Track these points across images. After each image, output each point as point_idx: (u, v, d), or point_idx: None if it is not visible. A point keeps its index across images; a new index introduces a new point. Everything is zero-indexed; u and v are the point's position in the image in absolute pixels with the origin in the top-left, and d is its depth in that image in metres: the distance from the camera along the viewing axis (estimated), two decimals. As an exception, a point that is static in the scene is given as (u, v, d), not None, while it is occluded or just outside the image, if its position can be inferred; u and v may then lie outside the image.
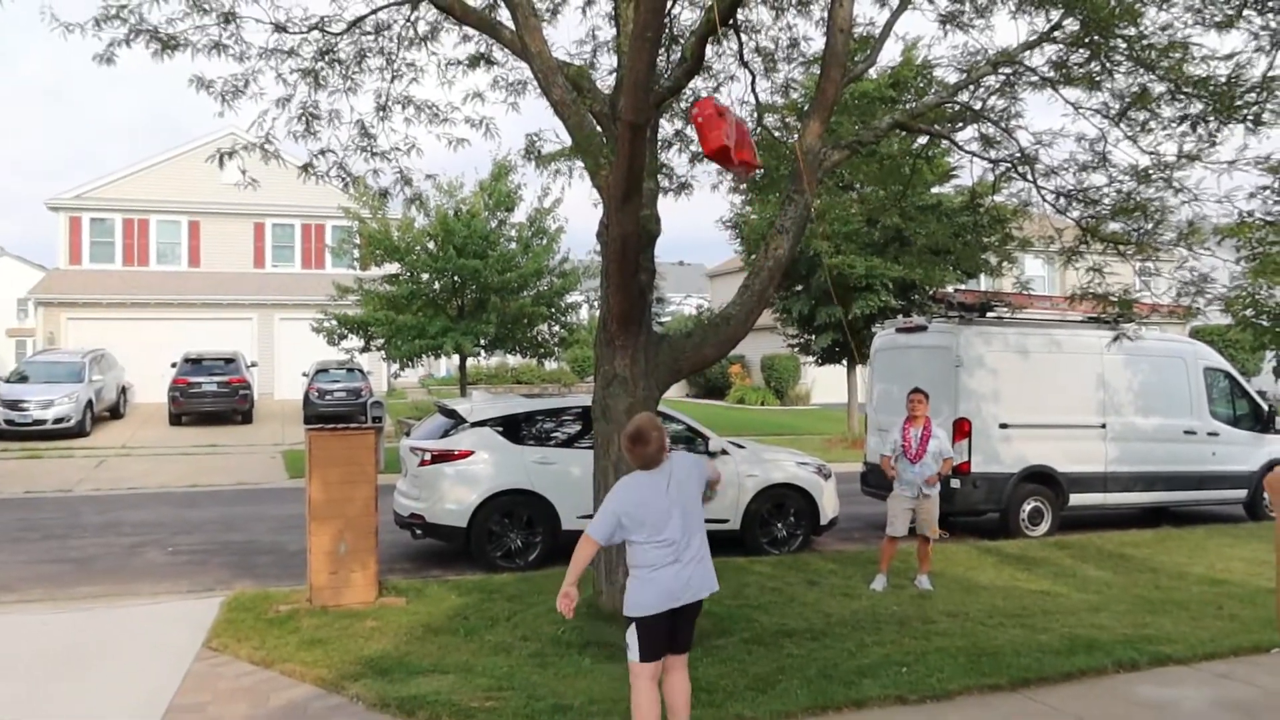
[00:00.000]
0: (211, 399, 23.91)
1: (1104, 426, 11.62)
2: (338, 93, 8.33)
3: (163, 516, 12.38)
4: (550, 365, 32.46)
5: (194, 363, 24.27)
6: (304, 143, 8.32)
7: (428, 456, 9.41)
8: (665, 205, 7.82)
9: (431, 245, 20.02)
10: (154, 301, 29.59)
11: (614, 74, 7.84)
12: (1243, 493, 12.54)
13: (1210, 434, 12.27)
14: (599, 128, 7.10)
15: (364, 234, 20.51)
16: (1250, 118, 7.21)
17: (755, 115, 9.29)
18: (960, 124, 9.15)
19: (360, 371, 24.73)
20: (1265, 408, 12.86)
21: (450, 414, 10.04)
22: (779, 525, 10.17)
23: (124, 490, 14.60)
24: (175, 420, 23.92)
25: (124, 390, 25.80)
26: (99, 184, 31.13)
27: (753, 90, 9.05)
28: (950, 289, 17.20)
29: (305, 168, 8.17)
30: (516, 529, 9.35)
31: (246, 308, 30.81)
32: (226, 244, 32.16)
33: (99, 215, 31.10)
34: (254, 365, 27.49)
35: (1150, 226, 8.60)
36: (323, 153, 8.05)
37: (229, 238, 32.19)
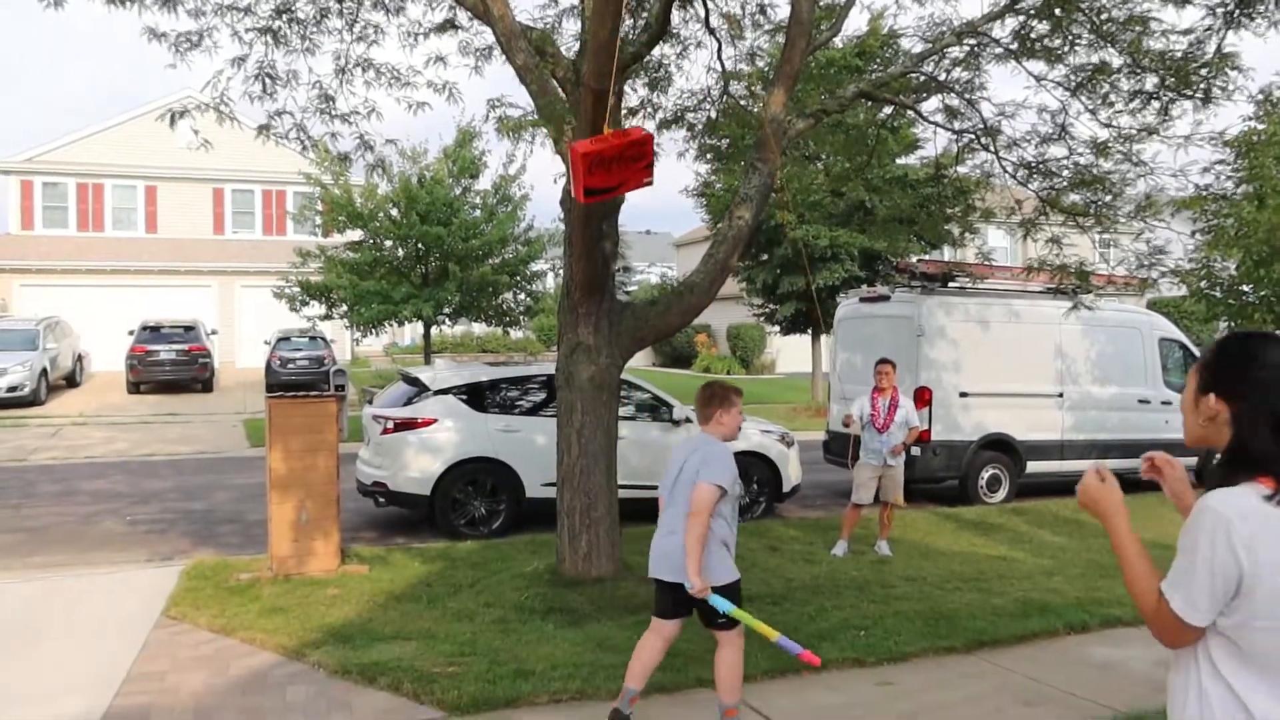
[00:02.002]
0: (171, 367, 23.56)
1: (1061, 395, 11.82)
2: (296, 53, 8.16)
3: (120, 486, 12.22)
4: (516, 334, 32.33)
5: (152, 330, 23.87)
6: (261, 104, 8.16)
7: (390, 425, 9.36)
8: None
9: (395, 212, 19.80)
10: (110, 268, 29.01)
11: (578, 39, 7.76)
12: (1193, 460, 12.82)
13: (1164, 403, 12.52)
14: (562, 94, 7.03)
15: (326, 200, 20.22)
16: (1200, 94, 7.31)
17: (721, 83, 9.26)
18: (925, 95, 9.19)
19: (323, 339, 24.48)
20: (1217, 377, 13.13)
21: (413, 382, 9.99)
22: (743, 493, 10.25)
23: (80, 459, 14.38)
24: (133, 389, 23.55)
25: (80, 358, 25.33)
26: (51, 147, 30.37)
27: (719, 58, 9.01)
28: (913, 259, 17.33)
29: (263, 129, 8.02)
30: (480, 497, 9.35)
31: (206, 275, 30.32)
32: (185, 210, 31.56)
33: (52, 179, 30.37)
34: (214, 333, 27.11)
35: (1109, 199, 8.72)
36: (280, 114, 7.89)
37: (187, 203, 31.60)
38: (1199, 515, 1.98)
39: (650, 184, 6.11)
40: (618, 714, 4.53)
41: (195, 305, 28.91)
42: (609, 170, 5.68)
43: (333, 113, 8.41)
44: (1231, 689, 1.95)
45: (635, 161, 5.81)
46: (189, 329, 24.32)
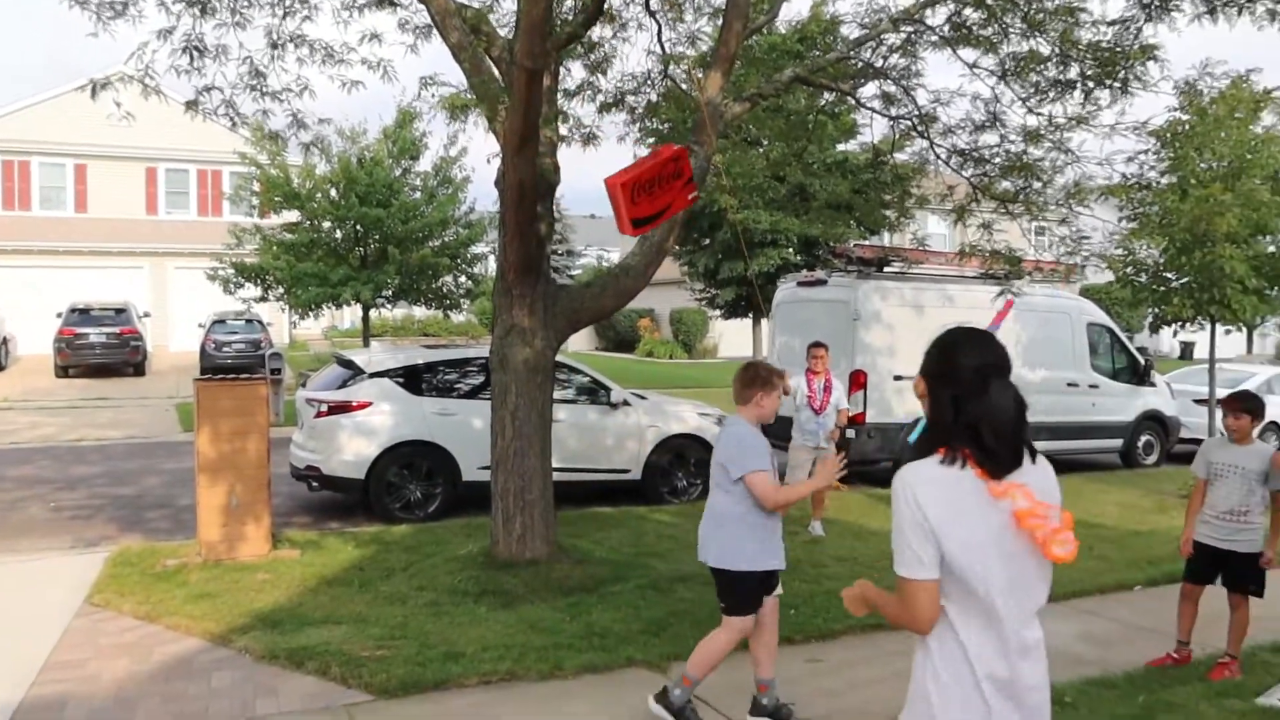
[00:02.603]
0: (101, 350, 22.92)
1: (993, 379, 12.07)
2: (225, 26, 7.94)
3: (46, 471, 11.88)
4: (457, 317, 32.02)
5: (82, 313, 23.18)
6: (189, 79, 7.93)
7: (324, 408, 9.22)
8: (574, 155, 7.78)
9: (333, 193, 19.45)
10: (38, 248, 28.09)
11: (514, 18, 7.67)
12: (1119, 441, 13.23)
13: (1091, 386, 12.87)
14: (497, 73, 6.96)
15: (262, 180, 19.78)
16: (1119, 83, 7.50)
17: (661, 66, 9.24)
18: (862, 81, 9.27)
19: (259, 323, 24.00)
20: (1142, 361, 13.54)
21: (348, 365, 9.85)
22: (680, 475, 10.32)
23: (4, 445, 13.93)
24: (62, 372, 22.87)
25: (5, 341, 24.54)
26: (-28, 122, 29.27)
27: (659, 40, 8.99)
28: (850, 244, 17.54)
29: (190, 104, 7.80)
30: (416, 480, 9.27)
31: (138, 256, 29.52)
32: (116, 189, 30.63)
33: (-26, 156, 29.28)
34: (147, 316, 26.44)
35: (1039, 186, 8.91)
36: (209, 89, 7.68)
37: (119, 182, 30.66)
38: (893, 487, 2.25)
39: (698, 199, 6.02)
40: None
41: (127, 287, 28.14)
42: (651, 195, 5.60)
43: (264, 90, 8.20)
44: (954, 637, 2.21)
45: (675, 179, 5.73)
46: (120, 311, 23.67)
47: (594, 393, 10.10)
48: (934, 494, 2.19)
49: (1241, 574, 5.18)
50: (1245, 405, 5.15)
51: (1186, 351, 35.62)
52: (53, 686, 4.88)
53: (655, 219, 5.84)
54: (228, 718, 4.52)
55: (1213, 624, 5.47)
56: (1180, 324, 11.51)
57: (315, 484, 9.35)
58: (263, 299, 20.68)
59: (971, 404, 2.24)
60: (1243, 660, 5.22)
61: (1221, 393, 11.79)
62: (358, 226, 19.41)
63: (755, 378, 4.51)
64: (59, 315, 23.37)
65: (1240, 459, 5.14)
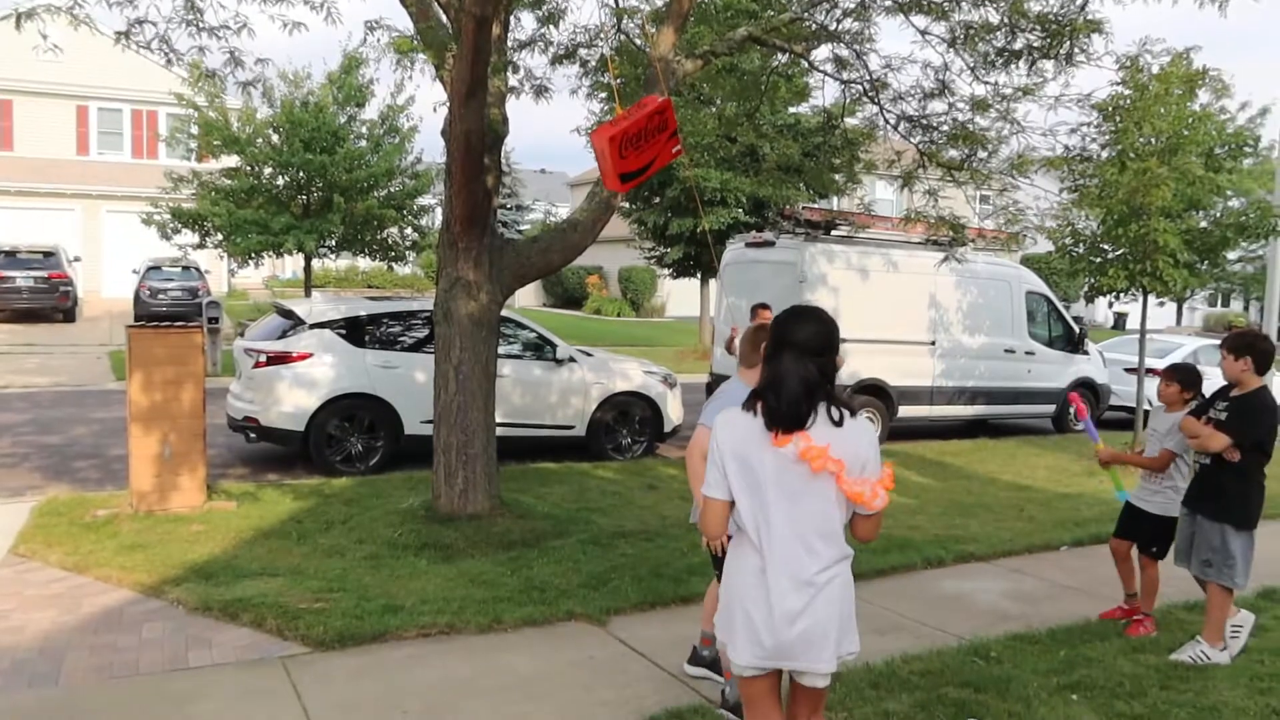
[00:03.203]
0: (28, 295, 22.14)
1: (933, 344, 12.29)
2: (159, -40, 7.61)
3: (-31, 418, 11.50)
4: (403, 270, 31.51)
5: (7, 255, 22.32)
6: (121, 12, 7.59)
7: (263, 358, 9.04)
8: (525, 109, 7.66)
9: (275, 138, 18.88)
10: (-42, 186, 26.92)
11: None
12: (1052, 407, 13.58)
13: (1028, 353, 13.17)
14: (445, 19, 6.79)
15: (201, 123, 19.12)
16: (1065, 56, 7.59)
17: (614, 19, 9.10)
18: (815, 43, 9.23)
19: (197, 270, 23.36)
20: (1077, 330, 13.87)
21: (288, 315, 9.65)
22: (624, 432, 10.36)
23: (-76, 390, 13.45)
24: (-14, 317, 22.09)
25: (-76, 283, 23.54)
26: (-112, 50, 27.75)
27: (612, -7, 8.84)
28: (799, 206, 17.61)
29: (122, 35, 7.47)
30: (357, 433, 9.17)
31: (68, 198, 28.43)
32: (44, 127, 29.38)
33: (-111, 87, 27.83)
34: (77, 260, 25.55)
35: (984, 155, 9.01)
36: (141, 22, 7.37)
37: (47, 120, 29.41)
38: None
39: (680, 154, 5.91)
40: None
41: (56, 230, 27.12)
42: (639, 149, 5.47)
43: (200, 25, 7.89)
44: (747, 546, 2.81)
45: (661, 132, 5.57)
46: (49, 255, 22.86)
47: (539, 349, 10.05)
48: (730, 434, 2.79)
49: (1147, 535, 5.37)
50: (1175, 375, 5.33)
51: (1119, 322, 36.64)
52: (-24, 637, 4.76)
53: (642, 173, 5.71)
54: (159, 669, 4.46)
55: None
56: (1115, 295, 11.79)
57: (253, 435, 9.18)
58: (200, 246, 20.07)
59: (769, 369, 2.78)
60: (1157, 618, 5.43)
61: (1151, 362, 12.20)
62: (301, 173, 18.90)
63: (752, 340, 4.24)
64: (-18, 258, 22.49)
65: (1159, 424, 5.34)
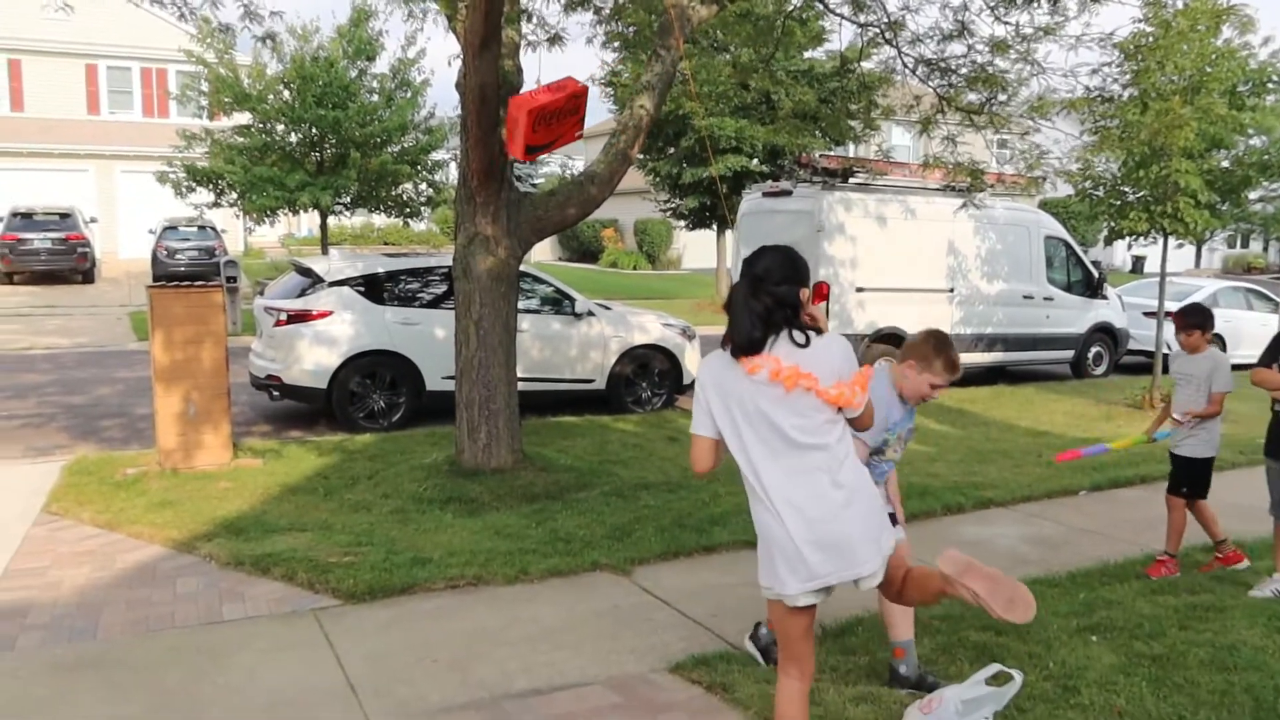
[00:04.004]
0: (46, 256, 22.30)
1: (951, 291, 12.22)
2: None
3: (-5, 380, 11.66)
4: (418, 226, 31.49)
5: (24, 217, 22.44)
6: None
7: (284, 317, 9.10)
8: (538, 60, 7.56)
9: (286, 94, 18.77)
10: (-28, 148, 26.99)
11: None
12: (1070, 353, 13.52)
13: (1046, 299, 13.08)
14: (456, -31, 6.68)
15: (211, 79, 19.01)
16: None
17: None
18: (831, -16, 9.06)
19: (213, 229, 23.41)
20: (1096, 274, 13.75)
21: (307, 273, 9.69)
22: (643, 385, 10.39)
23: (-50, 353, 13.62)
24: (5, 279, 22.27)
25: (-57, 246, 23.72)
26: (-104, 12, 27.66)
27: (624, -62, 8.68)
28: (816, 154, 17.42)
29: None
30: (379, 390, 9.24)
31: (82, 158, 28.48)
32: (54, 87, 29.32)
33: (-102, 48, 27.78)
34: (93, 221, 25.63)
35: (1004, 98, 8.87)
36: (152, -22, 7.32)
37: (57, 80, 29.34)
38: None
39: (581, 137, 6.22)
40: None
41: (71, 190, 27.22)
42: (549, 126, 5.67)
43: (212, -21, 7.82)
44: (748, 471, 2.93)
45: (572, 115, 5.83)
46: (65, 216, 22.95)
47: (558, 303, 10.06)
48: (709, 372, 2.99)
49: (1177, 477, 5.45)
50: (1194, 320, 5.35)
51: (1138, 265, 36.23)
52: (14, 593, 4.87)
53: (545, 148, 6.09)
54: (195, 622, 4.57)
55: (1156, 525, 5.71)
56: (1134, 238, 11.66)
57: (276, 393, 9.27)
58: (215, 205, 20.10)
59: (728, 301, 2.98)
60: (1180, 559, 5.46)
61: (1171, 306, 12.08)
62: (314, 129, 18.82)
63: (927, 350, 3.82)
64: (0, 219, 22.60)
65: (1189, 367, 5.39)
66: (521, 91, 6.57)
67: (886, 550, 2.96)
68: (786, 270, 2.94)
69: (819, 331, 2.94)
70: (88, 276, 23.12)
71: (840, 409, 2.91)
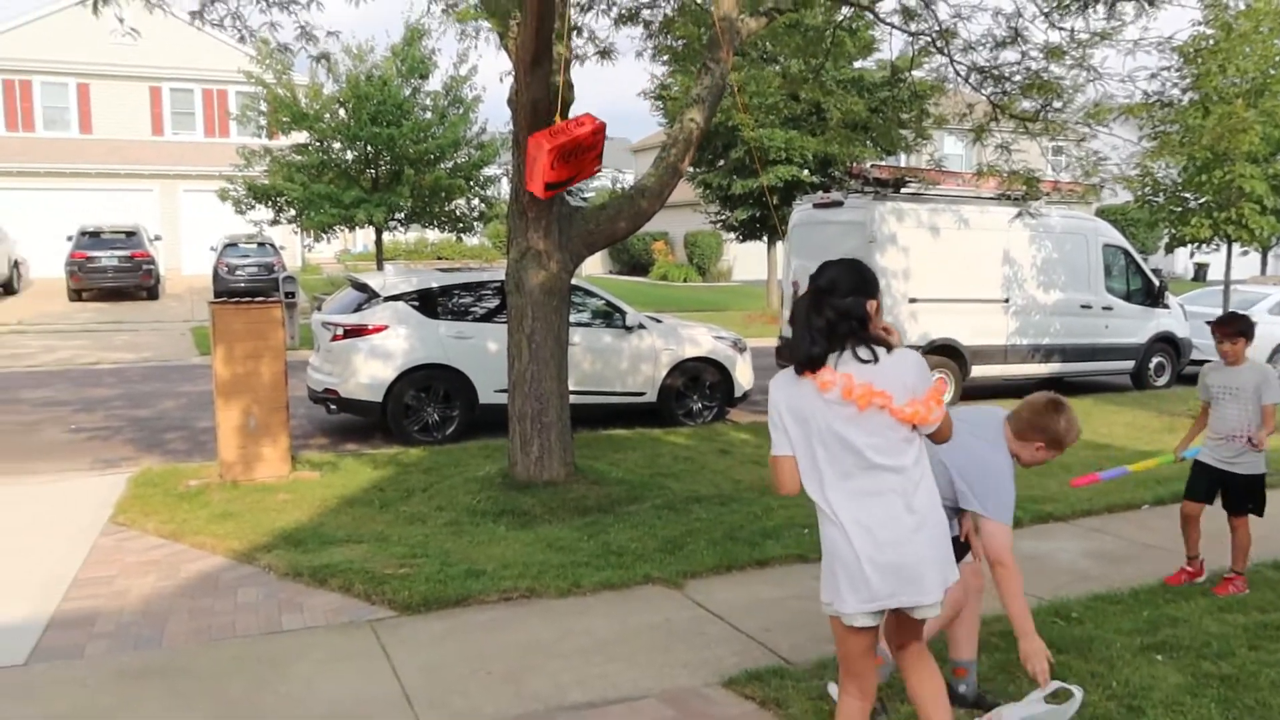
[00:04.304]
0: (113, 274, 22.97)
1: (1007, 301, 12.03)
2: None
3: (63, 394, 12.03)
4: (471, 241, 31.87)
5: (92, 236, 23.15)
6: (193, -6, 7.76)
7: (340, 331, 9.27)
8: (588, 74, 7.67)
9: (342, 112, 19.19)
10: (44, 170, 27.95)
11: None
12: (1130, 363, 13.21)
13: (1105, 308, 12.80)
14: (508, -13, 6.78)
15: (270, 99, 19.50)
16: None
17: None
18: (881, -7, 9.02)
19: (272, 246, 23.94)
20: (1156, 283, 13.43)
21: (363, 288, 9.86)
22: (694, 398, 10.38)
23: (21, 368, 14.09)
24: (75, 296, 22.98)
25: (16, 265, 24.57)
26: (-27, 41, 28.83)
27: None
28: (867, 164, 17.29)
29: (196, 14, 7.64)
30: (433, 403, 9.35)
31: (146, 178, 29.33)
32: (120, 109, 30.28)
33: (-25, 76, 28.91)
34: (158, 239, 26.38)
35: (1059, 105, 8.73)
36: (214, 1, 7.52)
37: (123, 103, 30.30)
38: None
39: (599, 172, 6.33)
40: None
41: (136, 210, 28.04)
42: (567, 162, 5.72)
43: (271, 0, 8.03)
44: (818, 496, 2.88)
45: (589, 151, 5.89)
46: (131, 234, 23.64)
47: (609, 316, 10.10)
48: (783, 392, 2.90)
49: (1240, 496, 5.20)
50: (1239, 329, 5.10)
51: (1200, 273, 35.29)
52: (82, 602, 5.02)
53: (563, 185, 6.09)
54: (255, 631, 4.66)
55: (1219, 541, 5.54)
56: (1197, 245, 11.38)
57: (333, 407, 9.44)
58: (274, 222, 20.58)
59: (793, 317, 2.92)
60: (1248, 577, 5.29)
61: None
62: (369, 147, 19.19)
63: (1058, 432, 3.49)
64: (69, 239, 23.36)
65: (1233, 380, 5.12)
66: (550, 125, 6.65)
67: (950, 581, 2.89)
68: (853, 282, 2.87)
69: (889, 346, 2.85)
70: (152, 293, 23.77)
71: (915, 426, 2.84)
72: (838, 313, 2.82)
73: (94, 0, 6.86)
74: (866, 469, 2.82)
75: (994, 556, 3.30)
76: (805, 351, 2.83)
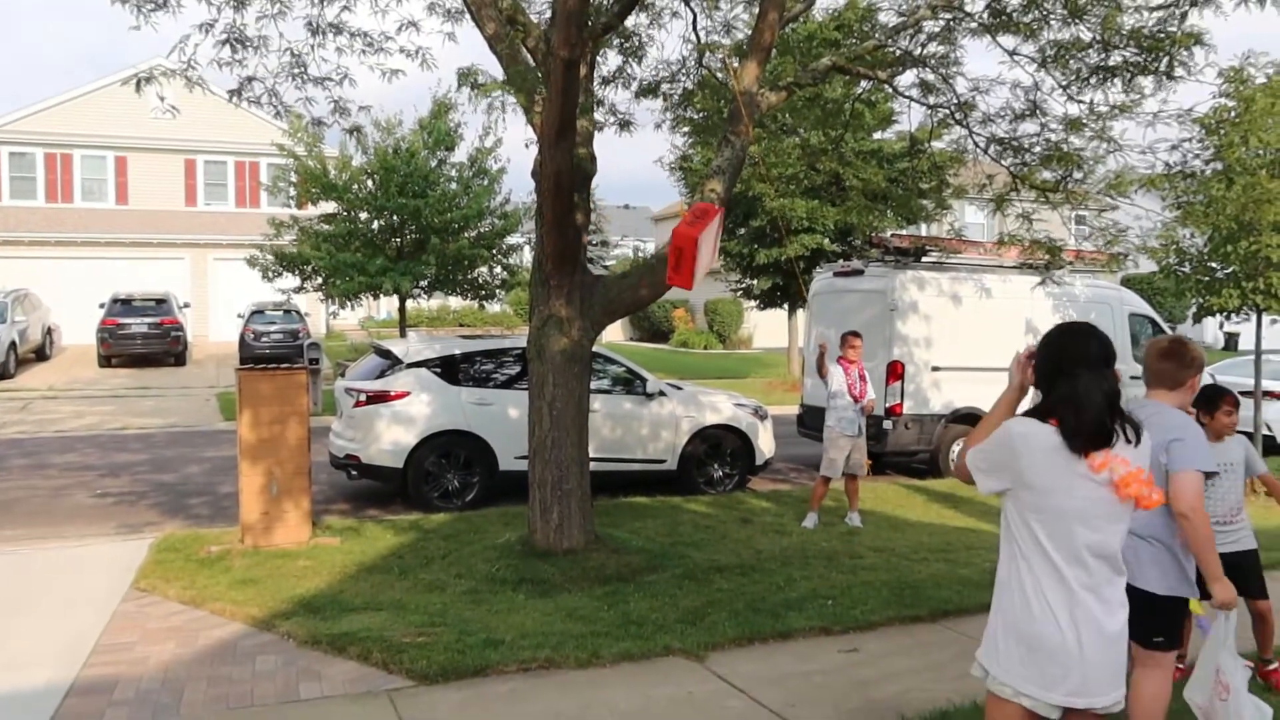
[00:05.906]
0: (143, 340, 23.31)
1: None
2: (265, 17, 8.02)
3: (91, 459, 12.13)
4: (493, 308, 32.15)
5: (124, 303, 23.57)
6: (230, 71, 8.03)
7: (363, 397, 9.33)
8: (609, 145, 7.83)
9: (370, 183, 19.59)
10: (80, 240, 28.59)
11: (550, 7, 7.67)
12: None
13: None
14: (533, 63, 6.97)
15: (300, 171, 19.97)
16: (1163, 71, 7.36)
17: (696, 55, 9.21)
18: (900, 69, 9.17)
19: (297, 313, 24.27)
20: (1184, 353, 13.27)
21: (386, 354, 9.95)
22: (715, 465, 10.32)
23: (50, 433, 14.24)
24: (105, 362, 23.29)
25: (50, 331, 24.99)
26: (18, 116, 29.77)
27: (694, 29, 8.95)
28: (888, 234, 17.40)
29: (234, 93, 7.89)
30: (454, 469, 9.35)
31: (179, 247, 29.94)
32: (156, 181, 31.08)
33: (19, 149, 29.78)
34: (187, 306, 26.80)
35: (1080, 176, 8.78)
36: (251, 80, 7.77)
37: (158, 174, 31.12)
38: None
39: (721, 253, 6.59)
40: None
41: (168, 278, 28.56)
42: (699, 249, 5.84)
43: (306, 77, 8.28)
44: (1023, 568, 2.72)
45: (714, 235, 6.11)
46: (161, 302, 24.05)
47: (630, 383, 10.12)
48: (1035, 444, 2.63)
49: (1242, 576, 4.45)
50: (1234, 402, 4.75)
51: (1231, 342, 34.96)
52: (103, 668, 4.99)
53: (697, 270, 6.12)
54: (273, 700, 4.60)
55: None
56: (1226, 315, 11.29)
57: (354, 472, 9.46)
58: (301, 289, 20.89)
59: (1065, 386, 2.64)
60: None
61: (1268, 384, 11.59)
62: (395, 217, 19.54)
63: (1194, 359, 3.73)
64: (101, 306, 23.78)
65: (1230, 455, 4.72)
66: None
67: (1124, 675, 2.72)
68: (1112, 351, 2.66)
69: (1138, 428, 2.64)
70: (180, 359, 24.07)
71: (1137, 507, 2.63)
72: (1115, 386, 2.60)
73: (137, 80, 7.11)
74: (1093, 557, 2.66)
75: (1181, 508, 3.44)
76: (1099, 424, 2.58)
